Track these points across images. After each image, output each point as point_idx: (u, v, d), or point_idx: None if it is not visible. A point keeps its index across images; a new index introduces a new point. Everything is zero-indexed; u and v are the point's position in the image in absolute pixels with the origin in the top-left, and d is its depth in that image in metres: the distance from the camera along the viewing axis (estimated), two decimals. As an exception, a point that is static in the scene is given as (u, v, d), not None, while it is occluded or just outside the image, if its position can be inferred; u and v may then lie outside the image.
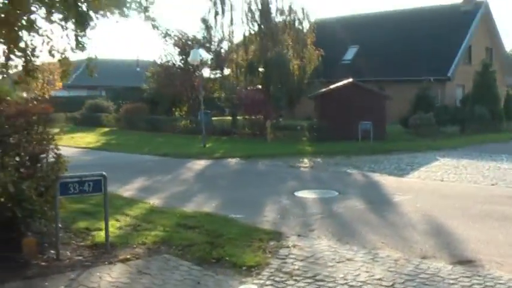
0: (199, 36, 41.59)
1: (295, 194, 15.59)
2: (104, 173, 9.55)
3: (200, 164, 23.34)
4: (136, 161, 24.72)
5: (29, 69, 10.25)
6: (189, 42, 41.06)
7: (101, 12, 10.19)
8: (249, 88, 37.42)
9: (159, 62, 43.56)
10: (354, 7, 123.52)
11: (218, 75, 42.92)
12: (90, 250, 9.65)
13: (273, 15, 38.46)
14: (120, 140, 34.51)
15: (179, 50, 41.63)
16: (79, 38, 10.95)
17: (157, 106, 43.24)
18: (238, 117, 38.03)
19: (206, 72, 43.18)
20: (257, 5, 38.23)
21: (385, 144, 27.73)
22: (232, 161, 24.28)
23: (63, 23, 10.05)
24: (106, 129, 42.60)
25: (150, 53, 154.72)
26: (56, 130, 10.55)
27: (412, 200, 14.57)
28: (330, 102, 31.28)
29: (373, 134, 27.97)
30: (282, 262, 8.89)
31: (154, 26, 11.93)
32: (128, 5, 11.14)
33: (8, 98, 10.59)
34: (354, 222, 12.18)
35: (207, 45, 41.64)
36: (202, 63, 41.54)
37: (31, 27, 10.02)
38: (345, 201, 14.44)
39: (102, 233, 10.47)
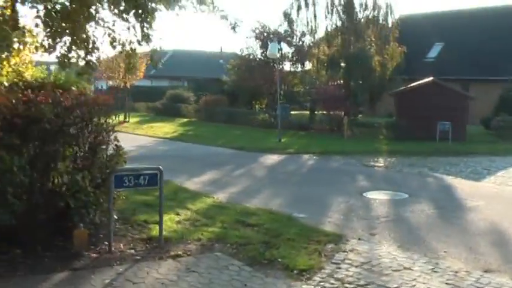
0: (281, 30, 41.13)
1: (364, 194, 15.14)
2: (160, 166, 9.45)
3: (273, 158, 23.13)
4: (210, 153, 24.74)
5: (89, 61, 10.21)
6: (271, 36, 40.82)
7: (158, 4, 10.03)
8: (329, 83, 36.82)
9: (240, 54, 43.56)
10: (440, 3, 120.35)
11: (299, 69, 42.57)
12: (144, 244, 9.57)
13: (357, 10, 37.67)
14: (197, 131, 34.72)
15: (260, 43, 41.48)
16: (144, 29, 10.91)
17: (237, 99, 43.28)
18: (316, 113, 37.57)
19: (287, 66, 42.92)
20: (340, 0, 37.58)
21: (464, 146, 26.70)
22: (306, 157, 23.94)
23: (124, 15, 9.96)
24: (185, 120, 42.95)
25: (234, 45, 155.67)
26: (115, 121, 10.26)
27: (484, 206, 13.85)
28: (410, 100, 30.46)
29: (453, 134, 27.00)
30: (336, 267, 8.54)
31: (222, 17, 11.70)
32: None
33: (73, 87, 10.68)
34: (419, 227, 11.67)
35: (289, 39, 41.27)
36: (283, 57, 41.38)
37: (93, 18, 10.02)
38: (414, 205, 13.88)
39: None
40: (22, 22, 10.34)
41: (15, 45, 10.47)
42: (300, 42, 41.82)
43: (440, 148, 25.69)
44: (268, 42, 39.09)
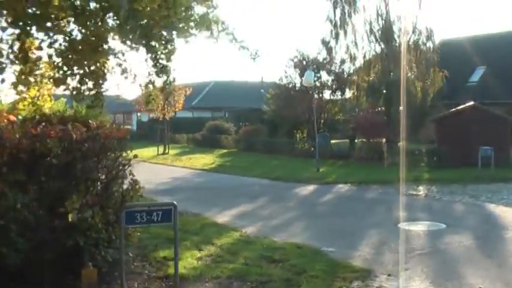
0: (320, 57, 40.73)
1: (399, 225, 14.49)
2: (174, 202, 9.02)
3: (308, 189, 22.61)
4: (245, 184, 24.32)
5: (98, 93, 9.89)
6: (309, 64, 40.46)
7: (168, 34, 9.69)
8: (369, 110, 36.19)
9: (280, 83, 43.25)
10: (481, 26, 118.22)
11: (339, 97, 42.04)
12: (160, 282, 9.18)
13: (396, 35, 37.11)
14: (234, 162, 34.34)
15: (299, 71, 41.10)
16: (160, 61, 10.59)
17: (277, 128, 42.89)
18: (356, 141, 36.92)
19: (327, 94, 42.41)
20: (379, 26, 37.03)
21: (507, 172, 25.66)
22: (343, 187, 23.34)
23: (133, 45, 9.65)
24: (224, 151, 42.63)
25: (275, 74, 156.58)
26: (131, 155, 9.87)
27: (528, 237, 13.12)
28: (450, 126, 29.61)
29: (495, 160, 25.96)
30: (359, 308, 7.98)
31: (241, 48, 11.32)
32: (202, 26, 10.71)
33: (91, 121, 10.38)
34: (455, 260, 11.02)
35: (328, 66, 40.83)
36: (323, 85, 40.95)
37: (106, 53, 9.74)
38: (451, 236, 13.17)
39: (179, 264, 10.01)
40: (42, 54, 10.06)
41: (31, 79, 10.16)
42: (340, 70, 41.30)
43: (482, 174, 24.70)
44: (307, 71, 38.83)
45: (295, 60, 41.28)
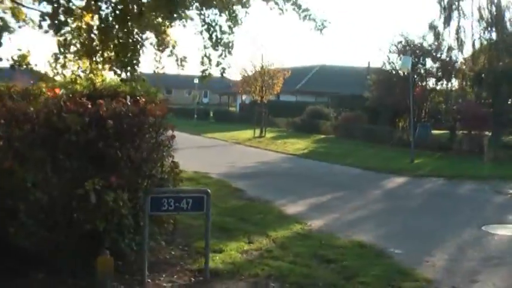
0: (425, 44, 38.65)
1: (483, 228, 13.02)
2: (208, 190, 8.12)
3: (397, 181, 21.22)
4: (332, 173, 23.24)
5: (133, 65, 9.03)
6: (416, 51, 38.51)
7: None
8: (474, 101, 34.08)
9: (382, 69, 41.48)
10: None
11: (444, 86, 39.82)
12: (190, 276, 8.32)
13: (507, 23, 34.72)
14: (329, 149, 33.16)
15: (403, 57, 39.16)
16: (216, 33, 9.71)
17: (378, 116, 41.22)
18: (458, 133, 34.78)
19: (431, 83, 40.24)
20: (490, 13, 34.78)
21: None
22: (435, 180, 21.76)
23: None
24: (321, 137, 41.45)
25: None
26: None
27: None
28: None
29: None
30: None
31: (306, 17, 10.23)
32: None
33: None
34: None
35: (434, 53, 38.68)
36: (427, 73, 38.93)
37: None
38: (541, 244, 11.67)
39: (218, 256, 9.17)
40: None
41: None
42: (447, 57, 39.03)
43: None
44: (412, 57, 36.99)
45: (399, 45, 39.33)
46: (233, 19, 9.81)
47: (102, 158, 7.87)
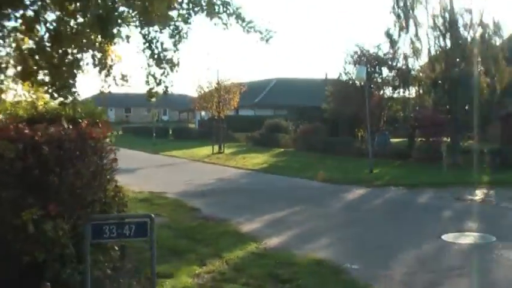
0: (381, 52, 38.81)
1: (443, 237, 12.84)
2: (152, 215, 7.73)
3: (357, 192, 21.02)
4: (291, 187, 22.95)
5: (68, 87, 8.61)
6: (372, 60, 38.64)
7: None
8: (430, 108, 34.16)
9: (339, 80, 41.50)
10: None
11: (401, 94, 39.96)
12: (138, 306, 7.93)
13: (461, 29, 34.95)
14: (288, 162, 32.92)
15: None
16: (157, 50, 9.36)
17: (337, 127, 41.21)
18: (417, 140, 34.82)
19: (389, 91, 40.38)
20: (444, 20, 34.98)
21: None
22: (393, 190, 21.60)
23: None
24: (280, 150, 41.19)
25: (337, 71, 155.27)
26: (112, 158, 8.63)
27: None
28: (515, 124, 27.45)
29: None
30: None
31: (251, 29, 9.92)
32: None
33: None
34: (495, 283, 9.40)
35: (390, 62, 38.84)
36: (384, 82, 39.09)
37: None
38: (500, 251, 11.46)
39: (168, 282, 8.80)
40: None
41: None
42: (403, 65, 39.20)
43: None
44: (368, 67, 37.11)
45: (355, 56, 39.42)
46: (176, 35, 9.49)
47: (40, 185, 7.47)
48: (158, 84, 9.04)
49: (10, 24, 8.05)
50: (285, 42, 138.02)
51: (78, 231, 7.74)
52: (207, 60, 47.45)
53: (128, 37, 8.45)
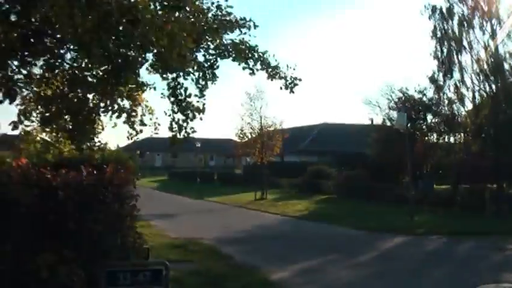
0: (425, 98, 38.47)
1: (478, 288, 12.41)
2: (166, 262, 7.67)
3: (394, 241, 20.58)
4: (328, 235, 22.66)
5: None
6: (417, 106, 38.32)
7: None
8: (475, 154, 33.51)
9: (383, 125, 41.25)
10: None
11: (446, 140, 39.44)
12: None
13: (507, 73, 34.47)
14: (328, 210, 32.58)
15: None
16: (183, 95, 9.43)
17: (380, 173, 40.68)
18: (461, 187, 34.10)
19: (434, 137, 39.88)
20: (489, 64, 34.60)
21: None
22: (434, 239, 21.11)
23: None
24: (322, 197, 40.84)
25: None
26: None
27: None
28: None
29: None
30: None
31: (275, 76, 9.95)
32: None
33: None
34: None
35: (434, 108, 38.40)
36: (428, 128, 38.70)
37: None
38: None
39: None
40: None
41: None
42: (448, 111, 38.75)
43: None
44: (412, 113, 36.88)
45: (399, 102, 39.15)
46: (202, 82, 9.56)
47: (56, 230, 7.49)
48: (180, 130, 9.10)
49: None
50: (330, 86, 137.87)
51: (93, 278, 7.71)
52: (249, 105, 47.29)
53: (146, 84, 8.55)
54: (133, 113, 9.71)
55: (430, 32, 36.71)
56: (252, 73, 9.89)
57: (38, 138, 10.40)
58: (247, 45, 9.52)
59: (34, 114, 9.13)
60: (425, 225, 24.36)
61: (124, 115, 8.96)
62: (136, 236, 8.60)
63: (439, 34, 36.52)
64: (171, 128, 9.51)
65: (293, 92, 9.99)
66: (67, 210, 7.55)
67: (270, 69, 9.78)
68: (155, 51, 7.84)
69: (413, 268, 15.72)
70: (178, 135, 9.54)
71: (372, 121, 51.85)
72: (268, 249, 18.59)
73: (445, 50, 36.62)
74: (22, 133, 9.82)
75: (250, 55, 9.51)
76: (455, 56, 36.34)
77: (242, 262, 15.48)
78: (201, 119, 9.74)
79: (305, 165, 50.96)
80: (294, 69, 9.81)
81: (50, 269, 7.24)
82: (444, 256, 17.56)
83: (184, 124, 9.25)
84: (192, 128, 9.41)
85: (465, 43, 35.29)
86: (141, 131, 9.62)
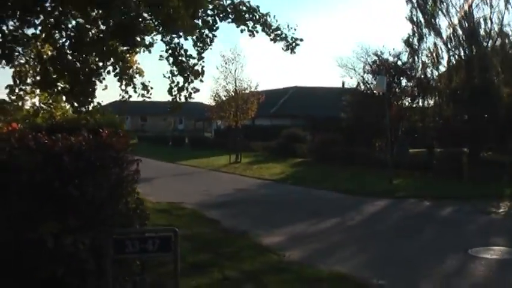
0: (399, 62, 38.49)
1: (470, 251, 12.48)
2: (176, 228, 7.46)
3: (378, 204, 20.58)
4: (310, 198, 22.61)
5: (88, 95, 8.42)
6: (391, 70, 38.25)
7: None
8: (449, 118, 33.69)
9: (357, 89, 41.16)
10: None
11: (420, 104, 39.52)
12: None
13: (480, 39, 34.57)
14: (306, 173, 32.61)
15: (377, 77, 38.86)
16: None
17: (355, 137, 40.73)
18: (436, 150, 34.35)
19: (407, 101, 39.94)
20: (463, 30, 34.66)
21: None
22: (415, 202, 21.22)
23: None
24: (298, 160, 40.78)
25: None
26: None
27: None
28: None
29: None
30: None
31: (277, 37, 9.70)
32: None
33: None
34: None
35: (408, 72, 38.42)
36: (402, 91, 38.74)
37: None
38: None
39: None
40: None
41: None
42: (422, 75, 38.82)
43: None
44: (387, 76, 36.79)
45: (374, 65, 39.07)
46: (201, 43, 9.27)
47: (59, 197, 7.21)
48: (181, 90, 8.83)
49: (30, 31, 7.88)
50: (301, 50, 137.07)
51: (98, 246, 7.48)
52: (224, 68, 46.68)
53: (151, 45, 8.24)
54: (125, 76, 9.39)
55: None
56: (252, 35, 9.64)
57: (29, 102, 10.08)
58: (249, 5, 9.25)
59: (29, 76, 8.79)
60: (405, 189, 24.51)
61: (125, 77, 8.67)
62: (138, 201, 8.39)
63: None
64: (170, 92, 9.23)
65: (294, 53, 9.81)
66: (70, 176, 7.28)
67: (270, 31, 9.53)
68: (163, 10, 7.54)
69: (401, 230, 15.78)
70: (178, 99, 9.27)
71: (343, 84, 51.90)
72: (252, 213, 18.51)
73: (420, 14, 36.64)
74: (13, 97, 9.47)
75: (251, 16, 9.25)
76: (431, 19, 36.34)
77: (230, 226, 15.38)
78: (201, 81, 9.51)
79: (277, 129, 50.88)
80: (294, 29, 9.63)
81: (55, 237, 7.00)
82: (429, 219, 17.61)
83: (186, 84, 8.98)
84: (194, 87, 9.16)
85: (442, 7, 35.29)
86: (138, 94, 9.34)
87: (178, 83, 9.19)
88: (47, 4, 7.34)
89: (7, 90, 9.35)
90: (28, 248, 6.89)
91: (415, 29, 36.91)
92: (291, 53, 9.75)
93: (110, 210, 7.81)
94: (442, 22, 36.60)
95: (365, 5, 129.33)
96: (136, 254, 7.35)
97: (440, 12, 35.50)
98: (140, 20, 7.50)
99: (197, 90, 9.17)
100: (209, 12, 9.23)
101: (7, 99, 9.73)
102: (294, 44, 9.77)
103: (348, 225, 16.54)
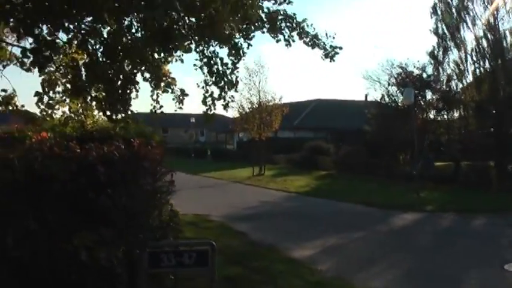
0: (424, 74, 38.09)
1: (506, 266, 12.14)
2: (213, 242, 7.25)
3: (405, 218, 20.22)
4: (336, 211, 22.26)
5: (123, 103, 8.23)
6: (416, 83, 37.83)
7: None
8: (475, 131, 33.27)
9: (381, 102, 40.77)
10: None
11: (445, 117, 39.06)
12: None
13: (506, 51, 34.13)
14: (330, 186, 32.31)
15: (402, 89, 38.49)
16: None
17: (379, 150, 40.36)
18: (463, 164, 33.87)
19: (432, 114, 39.48)
20: (488, 42, 34.27)
21: None
22: (443, 215, 20.82)
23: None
24: (322, 173, 40.49)
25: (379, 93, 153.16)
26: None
27: None
28: None
29: None
30: None
31: (314, 44, 9.48)
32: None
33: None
34: None
35: (433, 84, 38.00)
36: (427, 104, 38.30)
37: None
38: None
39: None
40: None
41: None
42: (447, 88, 38.39)
43: None
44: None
45: (399, 78, 38.69)
46: (236, 52, 9.06)
47: (92, 208, 7.04)
48: (217, 99, 8.64)
49: (62, 37, 7.73)
50: (325, 62, 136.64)
51: (131, 259, 7.29)
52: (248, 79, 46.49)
53: (189, 49, 8.03)
54: (161, 83, 9.23)
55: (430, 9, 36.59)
56: (289, 44, 9.43)
57: (60, 111, 9.93)
58: (285, 13, 9.06)
59: (59, 84, 8.63)
60: (433, 202, 24.07)
61: (162, 84, 8.50)
62: (172, 214, 8.20)
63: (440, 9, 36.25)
64: (204, 102, 9.03)
65: (334, 61, 9.61)
66: (103, 186, 7.11)
67: (308, 39, 9.32)
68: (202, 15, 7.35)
69: (434, 244, 15.44)
70: (211, 110, 9.08)
71: (366, 97, 51.51)
72: (280, 226, 18.23)
73: (444, 27, 36.39)
74: (42, 106, 9.32)
75: (288, 24, 9.05)
76: (455, 32, 36.04)
77: (258, 240, 15.13)
78: (236, 90, 9.32)
79: (300, 141, 50.69)
80: (333, 37, 9.41)
81: (88, 250, 6.81)
82: (461, 233, 17.21)
83: (223, 94, 8.78)
84: (232, 96, 8.96)
85: (467, 19, 35.00)
86: (173, 99, 9.13)
87: (212, 92, 9.00)
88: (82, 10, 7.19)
89: (36, 99, 9.20)
90: (60, 261, 6.72)
91: (439, 42, 36.70)
92: (330, 61, 9.55)
93: (142, 221, 7.63)
94: (467, 34, 36.05)
95: (388, 18, 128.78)
96: (171, 268, 7.18)
97: (465, 25, 35.18)
98: (180, 24, 7.33)
99: (233, 100, 8.98)
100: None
101: (36, 107, 9.60)
102: (333, 53, 9.55)
103: (379, 239, 16.18)
